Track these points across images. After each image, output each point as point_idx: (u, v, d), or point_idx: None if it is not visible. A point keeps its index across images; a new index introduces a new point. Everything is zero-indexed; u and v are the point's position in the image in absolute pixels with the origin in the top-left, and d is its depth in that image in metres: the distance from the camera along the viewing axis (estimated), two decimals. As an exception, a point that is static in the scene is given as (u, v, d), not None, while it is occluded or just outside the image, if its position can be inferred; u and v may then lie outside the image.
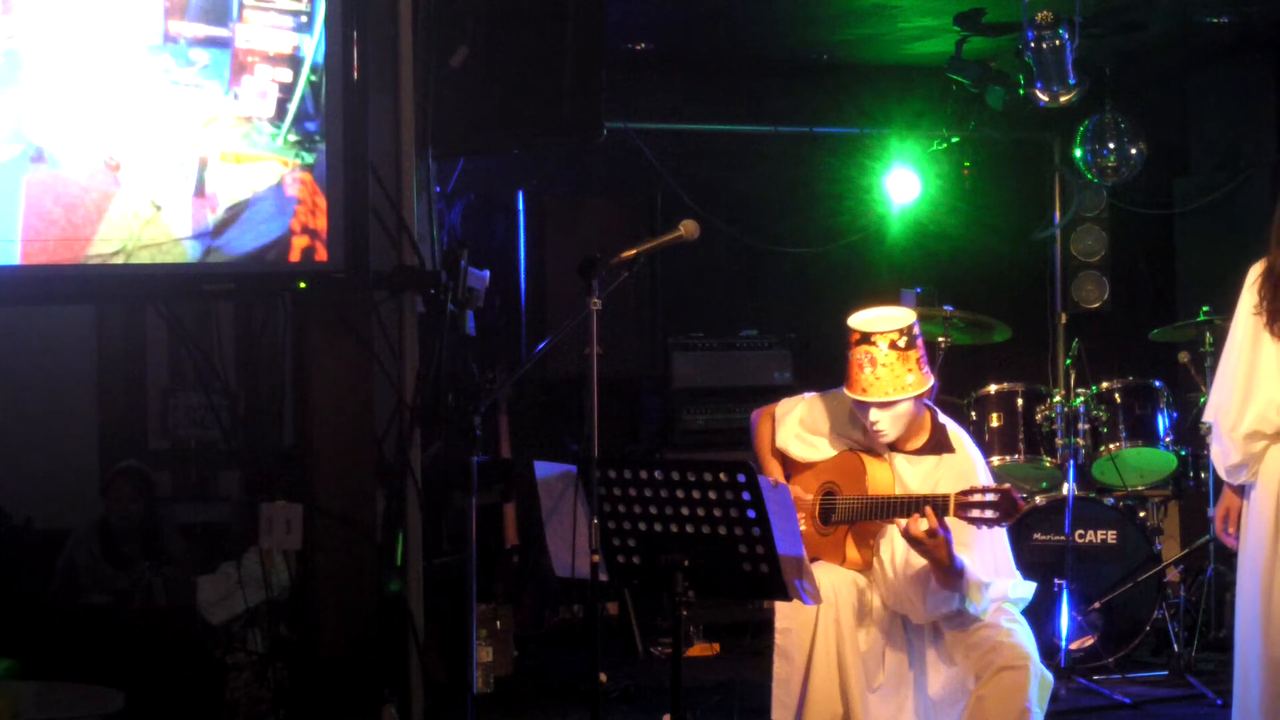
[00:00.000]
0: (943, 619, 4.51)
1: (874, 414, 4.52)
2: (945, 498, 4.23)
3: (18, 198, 4.39)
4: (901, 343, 4.48)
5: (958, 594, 4.38)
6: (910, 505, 4.30)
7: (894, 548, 4.48)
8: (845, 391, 4.57)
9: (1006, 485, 4.25)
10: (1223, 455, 4.30)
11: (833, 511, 4.59)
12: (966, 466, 4.52)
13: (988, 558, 4.46)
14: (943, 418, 4.68)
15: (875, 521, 4.50)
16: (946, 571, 4.31)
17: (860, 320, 4.56)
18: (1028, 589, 4.67)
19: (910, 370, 4.48)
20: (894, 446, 4.62)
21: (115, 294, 5.56)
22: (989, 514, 4.15)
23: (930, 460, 4.59)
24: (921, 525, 4.21)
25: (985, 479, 4.49)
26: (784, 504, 3.91)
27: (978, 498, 4.17)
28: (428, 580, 5.08)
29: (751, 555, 3.89)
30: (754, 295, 8.40)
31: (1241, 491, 4.33)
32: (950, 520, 4.26)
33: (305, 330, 5.07)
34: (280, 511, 4.99)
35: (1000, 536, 4.59)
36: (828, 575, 4.46)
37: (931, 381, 4.55)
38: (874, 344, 4.49)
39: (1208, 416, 4.42)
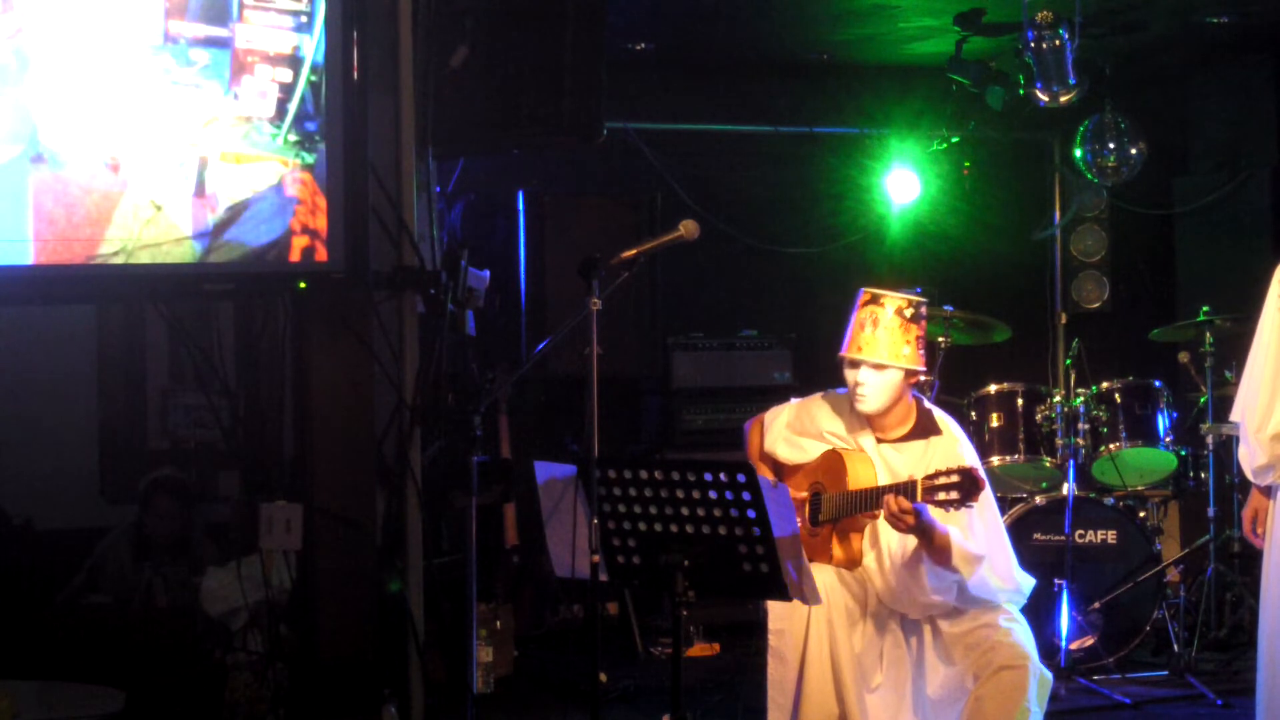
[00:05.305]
0: (941, 615, 4.52)
1: (863, 374, 4.57)
2: (912, 483, 4.27)
3: (25, 198, 4.39)
4: (908, 313, 4.57)
5: (955, 574, 4.40)
6: (883, 495, 4.35)
7: (889, 537, 4.51)
8: (841, 355, 4.63)
9: (969, 465, 4.29)
10: (1249, 456, 4.29)
11: (818, 511, 4.62)
12: (952, 448, 4.57)
13: (979, 531, 4.49)
14: (927, 404, 4.73)
15: (856, 517, 4.52)
16: (934, 544, 4.34)
17: (872, 287, 4.68)
18: (1028, 581, 4.69)
19: (908, 343, 4.55)
20: (880, 438, 4.65)
21: (115, 294, 5.56)
22: (953, 495, 4.19)
23: (919, 445, 4.63)
24: (903, 503, 4.26)
25: (971, 459, 4.53)
26: (784, 504, 3.92)
27: (942, 480, 4.21)
28: (428, 580, 5.08)
29: (751, 555, 3.89)
30: (754, 295, 8.40)
31: (1269, 492, 4.32)
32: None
33: (305, 330, 5.07)
34: (280, 511, 4.99)
35: (991, 514, 4.62)
36: (819, 576, 4.46)
37: (924, 366, 4.61)
38: (881, 305, 4.60)
39: (1235, 416, 4.40)
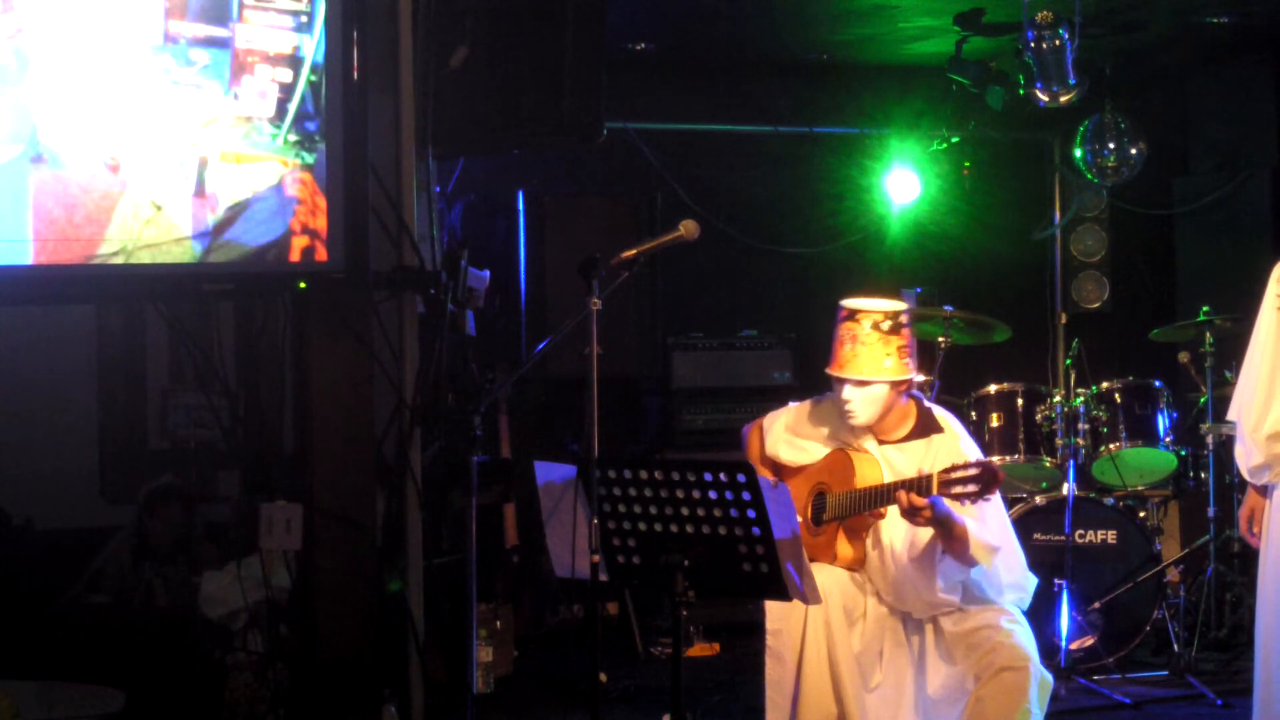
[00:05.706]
0: (944, 615, 4.52)
1: (847, 391, 4.58)
2: (928, 478, 4.26)
3: (25, 197, 4.39)
4: (885, 325, 4.55)
5: (968, 568, 4.39)
6: (894, 492, 4.33)
7: (893, 534, 4.51)
8: (827, 371, 4.64)
9: (987, 459, 4.28)
10: (1245, 456, 4.28)
11: (823, 510, 4.62)
12: (954, 444, 4.58)
13: (992, 522, 4.49)
14: (927, 403, 4.73)
15: (862, 516, 4.52)
16: (953, 535, 4.33)
17: (851, 300, 4.67)
18: (1032, 579, 4.69)
19: (889, 355, 4.53)
20: (882, 440, 4.65)
21: (115, 294, 5.56)
22: (971, 488, 4.17)
23: (920, 444, 4.63)
24: (914, 498, 4.24)
25: (973, 453, 4.53)
26: (784, 504, 3.92)
27: (959, 474, 4.19)
28: (428, 580, 5.08)
29: (751, 555, 3.89)
30: (754, 295, 8.40)
31: (1265, 491, 4.31)
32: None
33: (305, 330, 5.07)
34: (280, 511, 4.99)
35: (1000, 508, 4.62)
36: (818, 576, 4.46)
37: (912, 375, 4.61)
38: (858, 321, 4.59)
39: (1231, 415, 4.40)
